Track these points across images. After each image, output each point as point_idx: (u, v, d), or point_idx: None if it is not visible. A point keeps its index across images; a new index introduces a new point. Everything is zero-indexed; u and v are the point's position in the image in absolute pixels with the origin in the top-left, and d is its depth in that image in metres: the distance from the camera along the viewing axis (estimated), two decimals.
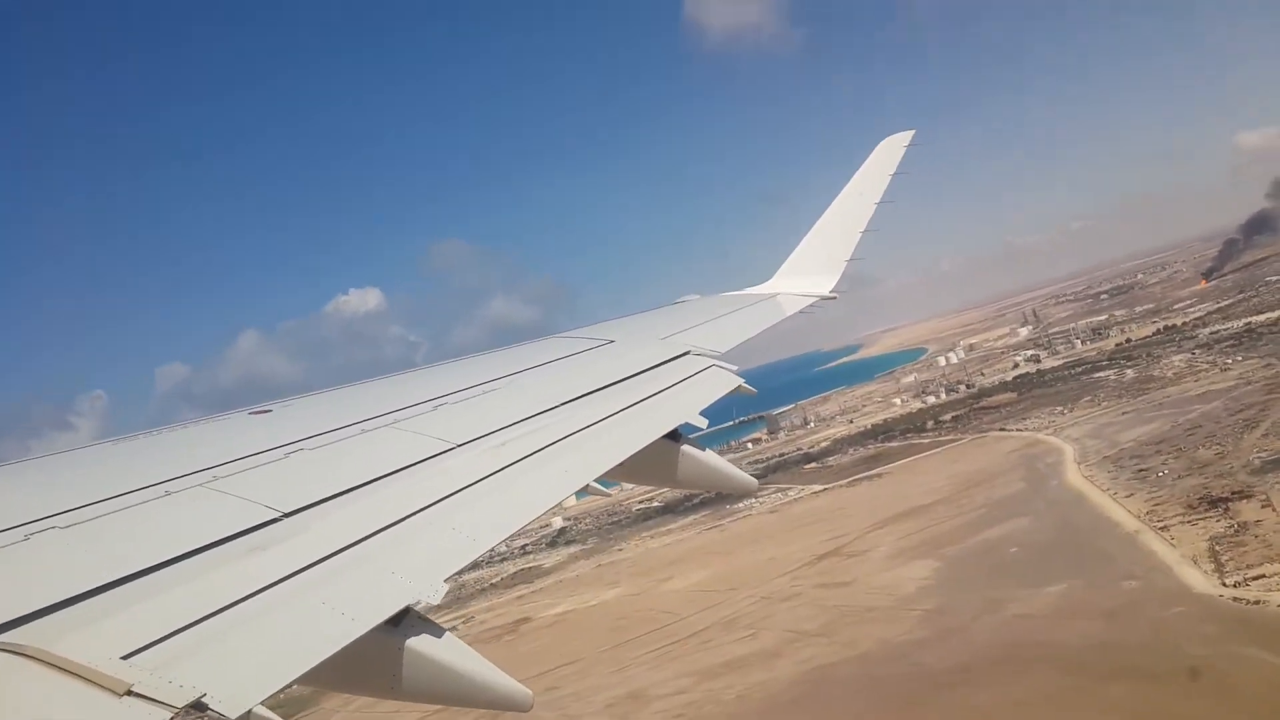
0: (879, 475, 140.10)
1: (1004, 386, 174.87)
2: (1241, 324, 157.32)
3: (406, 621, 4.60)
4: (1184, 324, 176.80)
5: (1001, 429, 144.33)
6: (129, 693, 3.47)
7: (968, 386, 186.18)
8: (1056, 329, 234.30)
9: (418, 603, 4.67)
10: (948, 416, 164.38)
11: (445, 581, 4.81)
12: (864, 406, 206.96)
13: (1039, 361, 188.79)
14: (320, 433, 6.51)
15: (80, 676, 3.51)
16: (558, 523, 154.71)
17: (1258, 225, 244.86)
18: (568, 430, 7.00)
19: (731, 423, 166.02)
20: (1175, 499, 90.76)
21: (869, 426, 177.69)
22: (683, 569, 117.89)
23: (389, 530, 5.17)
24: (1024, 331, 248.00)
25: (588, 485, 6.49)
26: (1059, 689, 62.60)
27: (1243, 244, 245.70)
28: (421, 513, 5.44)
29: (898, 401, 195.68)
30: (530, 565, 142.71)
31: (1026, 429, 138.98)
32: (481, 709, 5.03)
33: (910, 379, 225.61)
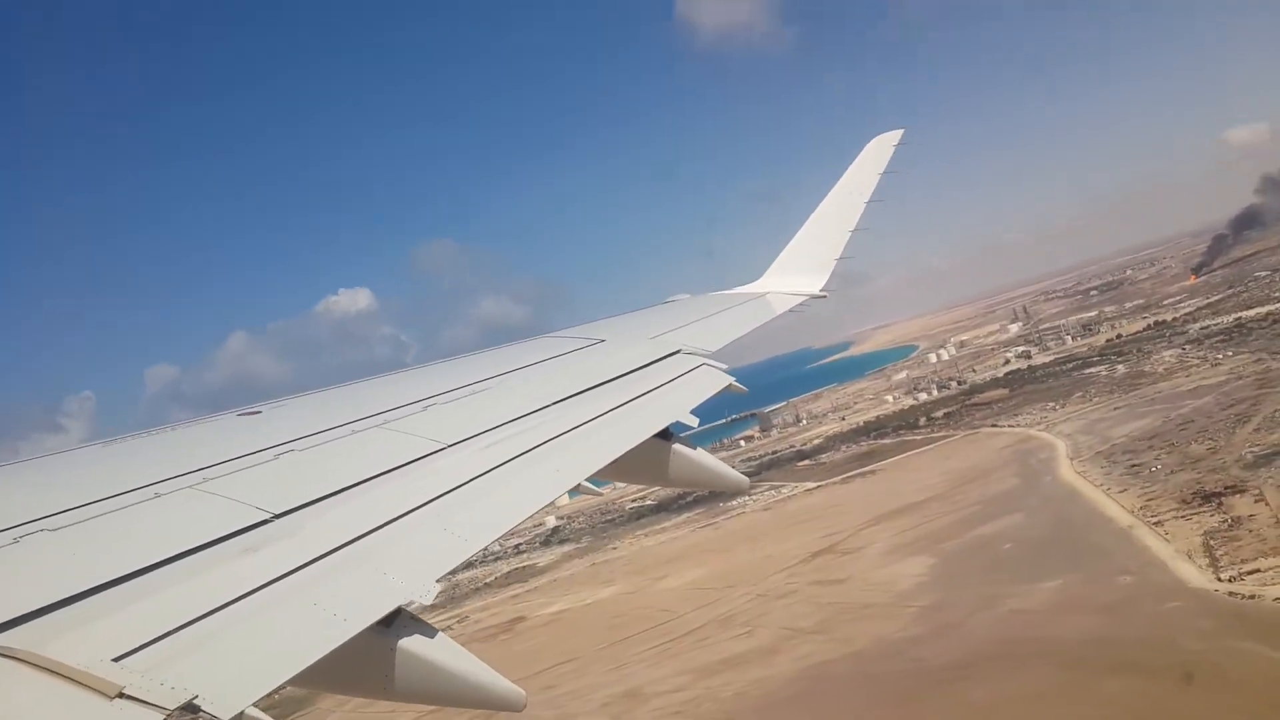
0: (872, 472, 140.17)
1: (995, 383, 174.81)
2: (1231, 319, 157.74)
3: (399, 622, 4.60)
4: (1174, 319, 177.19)
5: (994, 425, 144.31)
6: (121, 695, 3.47)
7: (959, 383, 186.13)
8: (1047, 325, 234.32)
9: (410, 603, 4.67)
10: (940, 413, 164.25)
11: (437, 582, 4.82)
12: (856, 404, 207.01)
13: (1030, 358, 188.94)
14: (311, 433, 6.51)
15: (71, 679, 3.51)
16: (551, 521, 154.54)
17: (1247, 221, 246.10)
18: (559, 430, 7.01)
19: (723, 421, 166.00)
20: (1169, 494, 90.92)
21: (861, 423, 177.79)
22: (678, 567, 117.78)
23: (381, 531, 5.17)
24: (1014, 328, 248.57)
25: (579, 484, 6.50)
26: (1056, 684, 62.60)
27: (1232, 239, 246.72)
28: (413, 513, 5.44)
29: (889, 398, 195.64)
30: (524, 564, 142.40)
31: (1019, 425, 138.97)
32: (475, 709, 5.05)
33: (901, 376, 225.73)
